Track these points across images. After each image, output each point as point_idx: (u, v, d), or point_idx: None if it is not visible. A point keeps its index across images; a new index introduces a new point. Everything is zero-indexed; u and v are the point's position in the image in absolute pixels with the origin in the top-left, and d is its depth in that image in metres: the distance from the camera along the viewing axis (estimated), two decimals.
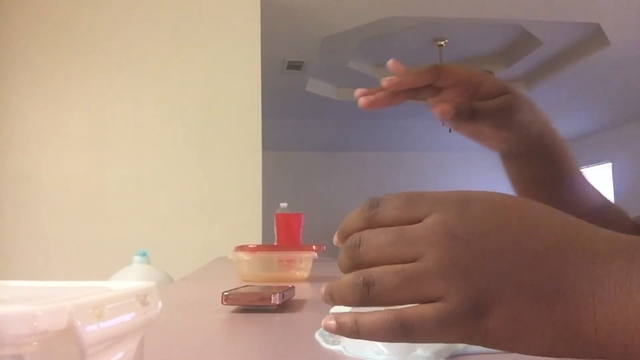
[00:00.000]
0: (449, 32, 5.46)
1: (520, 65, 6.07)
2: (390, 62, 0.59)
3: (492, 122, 0.57)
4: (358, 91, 0.58)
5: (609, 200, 0.69)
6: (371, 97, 0.57)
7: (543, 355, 0.31)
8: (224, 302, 0.65)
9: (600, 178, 7.43)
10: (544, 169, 0.62)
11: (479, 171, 8.87)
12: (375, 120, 7.79)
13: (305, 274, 1.21)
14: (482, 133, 0.60)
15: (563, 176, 0.63)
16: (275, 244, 1.79)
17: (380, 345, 0.40)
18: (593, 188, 0.67)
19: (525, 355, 0.41)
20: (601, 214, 0.67)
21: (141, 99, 2.94)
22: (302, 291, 0.95)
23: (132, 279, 1.65)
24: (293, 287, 0.77)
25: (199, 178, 2.89)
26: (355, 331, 0.32)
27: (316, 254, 1.21)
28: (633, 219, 0.73)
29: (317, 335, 0.47)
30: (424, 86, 0.59)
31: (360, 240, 0.32)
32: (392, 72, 0.58)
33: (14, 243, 2.78)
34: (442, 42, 5.65)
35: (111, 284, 0.28)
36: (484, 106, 0.56)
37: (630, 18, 4.15)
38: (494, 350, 0.41)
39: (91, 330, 0.21)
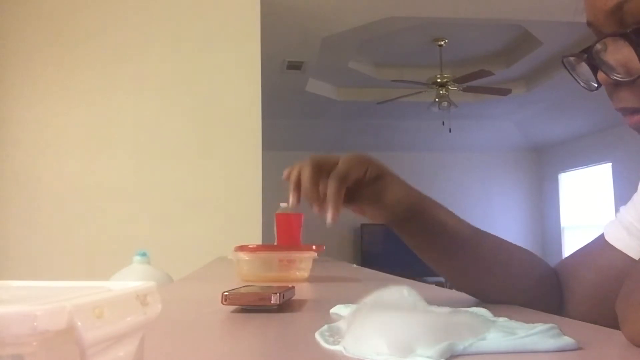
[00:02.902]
0: (449, 32, 5.46)
1: (520, 65, 6.07)
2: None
3: (369, 201, 0.70)
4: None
5: (517, 247, 0.78)
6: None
7: None
8: (224, 302, 0.65)
9: (600, 178, 7.43)
10: (424, 231, 0.73)
11: (479, 171, 8.87)
12: (375, 120, 7.79)
13: (305, 274, 1.21)
14: (362, 209, 0.73)
15: (446, 235, 0.73)
16: (275, 244, 1.79)
17: (380, 345, 0.40)
18: (493, 238, 0.77)
19: (535, 358, 0.41)
20: (507, 257, 0.76)
21: (141, 99, 2.94)
22: (302, 291, 0.95)
23: (132, 279, 1.65)
24: (293, 287, 0.77)
25: (199, 178, 2.90)
26: None
27: (316, 254, 1.21)
28: (555, 266, 0.80)
29: (317, 335, 0.47)
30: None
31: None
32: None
33: (14, 243, 2.78)
34: (442, 42, 5.65)
35: (111, 284, 0.28)
36: (360, 192, 0.70)
37: None
38: (494, 350, 0.41)
39: (91, 330, 0.21)
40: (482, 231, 0.75)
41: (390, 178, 0.70)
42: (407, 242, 0.74)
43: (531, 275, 0.74)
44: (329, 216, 0.64)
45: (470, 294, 0.74)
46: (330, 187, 0.64)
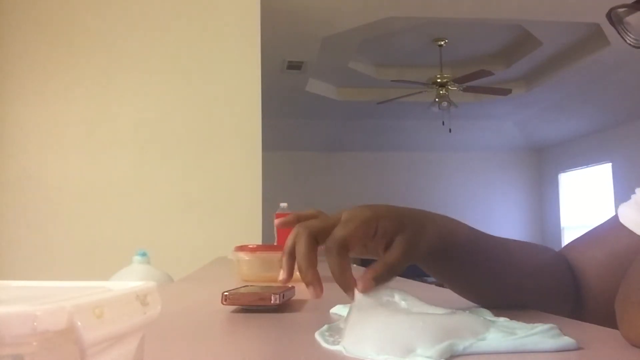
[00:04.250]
0: (449, 32, 5.46)
1: (520, 65, 6.07)
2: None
3: (405, 263, 0.57)
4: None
5: (525, 243, 0.73)
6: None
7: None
8: (224, 302, 0.65)
9: (600, 178, 7.43)
10: (458, 263, 0.65)
11: (479, 171, 8.88)
12: (375, 120, 7.79)
13: None
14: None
15: (477, 258, 0.66)
16: (275, 244, 1.79)
17: (380, 345, 0.40)
18: (513, 244, 0.71)
19: (535, 358, 0.41)
20: (532, 260, 0.71)
21: (141, 99, 2.94)
22: (302, 291, 0.94)
23: (132, 279, 1.65)
24: (293, 287, 0.77)
25: (199, 178, 2.90)
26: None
27: None
28: (562, 249, 0.77)
29: (317, 335, 0.47)
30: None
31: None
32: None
33: (14, 243, 2.78)
34: (442, 42, 5.66)
35: (111, 284, 0.28)
36: (394, 260, 0.56)
37: None
38: (494, 350, 0.41)
39: (91, 330, 0.21)
40: (504, 239, 0.70)
41: (411, 226, 0.59)
42: (439, 276, 0.66)
43: (547, 271, 0.71)
44: (352, 294, 0.52)
45: (496, 305, 0.67)
46: (330, 265, 0.54)
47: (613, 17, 0.52)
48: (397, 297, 0.51)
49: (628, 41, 0.52)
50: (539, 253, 0.74)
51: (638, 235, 0.67)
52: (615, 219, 0.72)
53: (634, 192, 0.71)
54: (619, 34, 0.53)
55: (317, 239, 0.56)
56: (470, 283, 0.68)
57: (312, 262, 0.55)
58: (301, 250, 0.56)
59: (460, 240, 0.64)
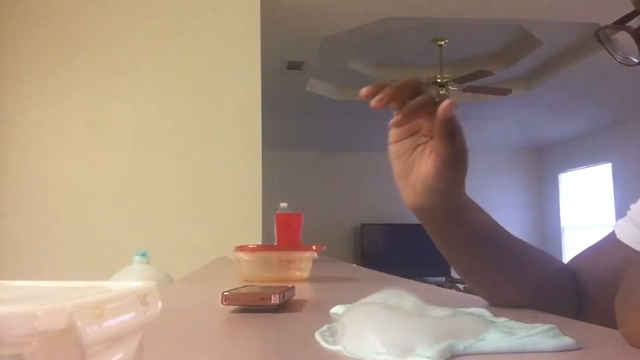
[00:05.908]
0: (449, 32, 5.46)
1: (520, 65, 6.07)
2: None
3: (457, 138, 0.59)
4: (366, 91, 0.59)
5: (538, 249, 0.74)
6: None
7: None
8: (224, 302, 0.65)
9: (600, 178, 7.43)
10: (470, 241, 0.66)
11: (479, 171, 8.87)
12: (375, 120, 7.78)
13: (305, 274, 1.21)
14: (432, 167, 0.61)
15: (492, 244, 0.67)
16: (275, 244, 1.79)
17: (380, 345, 0.40)
18: (515, 240, 0.71)
19: (535, 358, 0.41)
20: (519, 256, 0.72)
21: (141, 99, 2.94)
22: (302, 291, 0.95)
23: (132, 279, 1.65)
24: (293, 287, 0.77)
25: (199, 178, 2.90)
26: None
27: (316, 254, 1.21)
28: (568, 262, 0.77)
29: (317, 335, 0.47)
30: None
31: None
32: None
33: (14, 243, 2.78)
34: (442, 42, 5.65)
35: (111, 284, 0.28)
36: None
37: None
38: (494, 351, 0.41)
39: (91, 330, 0.21)
40: (521, 240, 0.71)
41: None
42: (442, 238, 0.66)
43: (553, 279, 0.72)
44: (396, 118, 0.56)
45: (487, 297, 0.69)
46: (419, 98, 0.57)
47: (601, 36, 0.52)
48: (404, 293, 0.51)
49: (617, 59, 0.52)
50: (549, 261, 0.75)
51: (635, 250, 0.67)
52: (614, 234, 0.73)
53: (632, 195, 0.71)
54: (608, 52, 0.52)
55: (418, 93, 0.59)
56: (478, 266, 0.69)
57: (403, 87, 0.58)
58: (404, 80, 0.58)
59: (480, 218, 0.66)
